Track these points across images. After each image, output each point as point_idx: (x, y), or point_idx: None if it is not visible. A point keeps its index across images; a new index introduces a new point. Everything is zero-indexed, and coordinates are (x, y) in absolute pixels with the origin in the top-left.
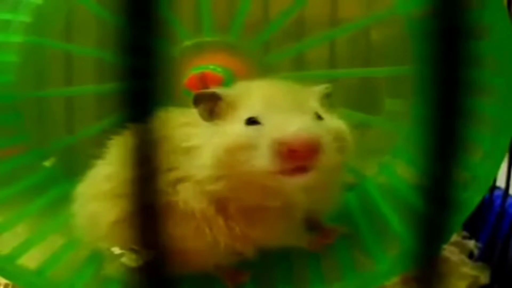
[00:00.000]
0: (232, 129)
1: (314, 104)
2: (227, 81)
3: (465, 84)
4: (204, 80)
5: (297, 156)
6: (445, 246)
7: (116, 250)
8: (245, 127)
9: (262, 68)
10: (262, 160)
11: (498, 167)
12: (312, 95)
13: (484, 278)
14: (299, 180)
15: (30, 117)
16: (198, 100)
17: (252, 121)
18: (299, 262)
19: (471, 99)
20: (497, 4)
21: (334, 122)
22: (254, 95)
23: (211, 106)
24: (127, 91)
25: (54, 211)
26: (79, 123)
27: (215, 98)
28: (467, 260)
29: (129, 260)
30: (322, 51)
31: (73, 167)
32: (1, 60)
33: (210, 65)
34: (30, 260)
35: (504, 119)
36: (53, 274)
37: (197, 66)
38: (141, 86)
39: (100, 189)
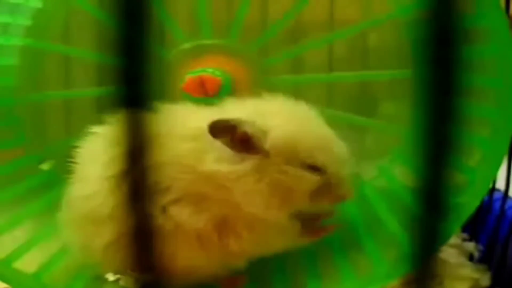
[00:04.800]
0: (301, 174)
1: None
2: (226, 85)
3: (461, 87)
4: (202, 84)
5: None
6: (445, 249)
7: (111, 277)
8: (313, 173)
9: (261, 71)
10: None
11: (497, 170)
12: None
13: (485, 280)
14: None
15: (28, 120)
16: (214, 133)
17: (314, 168)
18: (297, 264)
19: (468, 103)
20: (495, 7)
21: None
22: (299, 135)
23: (231, 135)
24: (121, 94)
25: (52, 215)
26: (78, 126)
27: (231, 128)
28: (467, 262)
29: (127, 283)
30: (320, 53)
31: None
32: (1, 63)
33: (209, 68)
34: (27, 263)
35: (502, 122)
36: (49, 278)
37: (196, 69)
38: (135, 90)
39: (84, 213)
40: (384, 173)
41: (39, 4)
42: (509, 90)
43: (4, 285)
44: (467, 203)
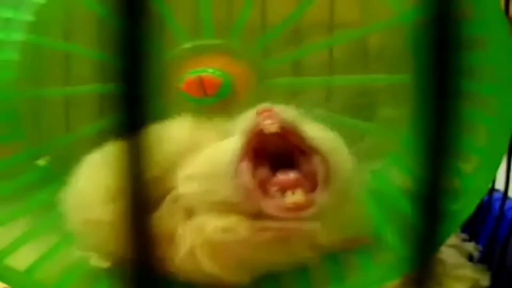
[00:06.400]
0: None
1: None
2: (226, 85)
3: (461, 92)
4: (202, 84)
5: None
6: (444, 249)
7: (104, 264)
8: None
9: (261, 73)
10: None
11: (496, 170)
12: None
13: (484, 281)
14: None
15: (28, 116)
16: None
17: None
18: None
19: (467, 107)
20: (495, 11)
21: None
22: None
23: None
24: (121, 93)
25: (46, 211)
26: (76, 122)
27: None
28: (466, 262)
29: (99, 262)
30: (320, 56)
31: (68, 167)
32: (1, 58)
33: (209, 68)
34: (19, 260)
35: (501, 124)
36: (42, 275)
37: (196, 69)
38: (135, 89)
39: (91, 191)
40: (381, 177)
41: (42, 0)
42: (508, 93)
43: (4, 285)
44: (466, 204)
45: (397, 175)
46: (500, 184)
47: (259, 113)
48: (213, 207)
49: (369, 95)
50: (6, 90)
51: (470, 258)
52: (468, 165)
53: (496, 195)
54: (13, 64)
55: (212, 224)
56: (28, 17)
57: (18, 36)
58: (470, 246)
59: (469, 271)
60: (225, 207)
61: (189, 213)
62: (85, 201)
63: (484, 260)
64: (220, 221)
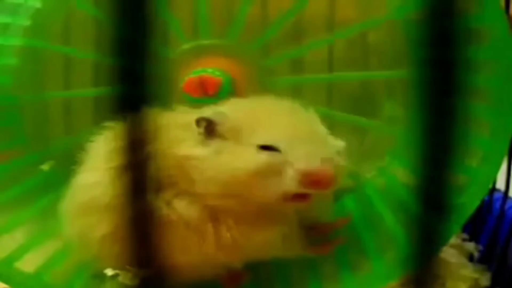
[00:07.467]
0: (248, 153)
1: (321, 127)
2: (226, 85)
3: (461, 88)
4: (202, 84)
5: (321, 185)
6: (445, 249)
7: (109, 272)
8: (262, 152)
9: (261, 72)
10: (287, 187)
11: (497, 170)
12: (314, 116)
13: (485, 281)
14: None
15: (28, 120)
16: (198, 123)
17: (266, 148)
18: (298, 264)
19: (468, 103)
20: (495, 7)
21: (337, 144)
22: (260, 119)
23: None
24: (121, 95)
25: (52, 215)
26: (78, 127)
27: (212, 123)
28: (467, 262)
29: (125, 279)
30: (320, 53)
31: (71, 171)
32: (1, 63)
33: (209, 68)
34: (28, 263)
35: (502, 122)
36: (50, 278)
37: (196, 70)
38: (136, 90)
39: (85, 201)
40: (384, 174)
41: (38, 4)
42: (509, 90)
43: (4, 285)
44: (467, 203)
45: (401, 171)
46: (500, 184)
47: (315, 169)
48: (237, 208)
49: (371, 92)
50: (6, 95)
51: (471, 258)
52: (472, 159)
53: (497, 195)
54: (12, 68)
55: (254, 239)
56: (25, 21)
57: (17, 41)
58: (471, 246)
59: (469, 271)
60: (247, 206)
61: (213, 214)
62: (82, 213)
63: (485, 260)
64: (258, 235)
